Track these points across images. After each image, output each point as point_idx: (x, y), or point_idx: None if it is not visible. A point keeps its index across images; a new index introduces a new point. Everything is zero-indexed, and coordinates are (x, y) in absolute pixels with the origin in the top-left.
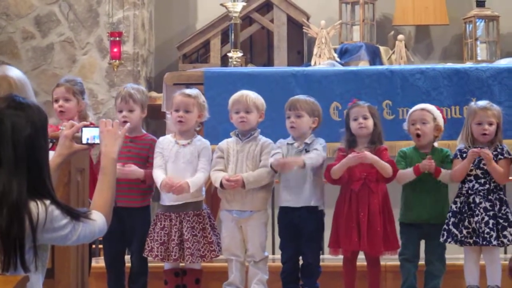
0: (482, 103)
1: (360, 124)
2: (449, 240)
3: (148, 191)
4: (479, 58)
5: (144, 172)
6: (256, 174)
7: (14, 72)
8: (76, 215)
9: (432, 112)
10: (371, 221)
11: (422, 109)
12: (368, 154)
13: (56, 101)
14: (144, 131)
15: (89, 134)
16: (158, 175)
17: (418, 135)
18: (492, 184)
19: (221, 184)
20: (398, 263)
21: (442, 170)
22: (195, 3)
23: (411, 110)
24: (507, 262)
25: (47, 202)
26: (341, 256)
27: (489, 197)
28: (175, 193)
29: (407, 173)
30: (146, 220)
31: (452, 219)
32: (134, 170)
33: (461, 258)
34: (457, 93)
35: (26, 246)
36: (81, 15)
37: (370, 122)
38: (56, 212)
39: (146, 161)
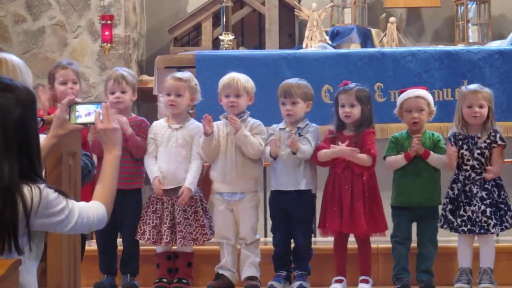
0: (473, 86)
1: (345, 113)
2: (445, 226)
3: (140, 174)
4: (470, 40)
5: (132, 133)
6: (252, 138)
7: (11, 57)
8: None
9: (426, 99)
10: (354, 202)
11: (417, 97)
12: (345, 150)
13: (64, 83)
14: (133, 114)
15: (82, 112)
16: (151, 168)
17: (415, 123)
18: None
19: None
20: (390, 245)
21: (432, 153)
22: None
23: (403, 97)
24: (500, 245)
25: (42, 186)
26: (332, 239)
27: (485, 186)
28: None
29: (398, 160)
30: (137, 204)
31: (450, 206)
32: (125, 121)
33: (453, 241)
34: (449, 76)
35: (20, 232)
36: None
37: (356, 110)
38: (51, 196)
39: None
